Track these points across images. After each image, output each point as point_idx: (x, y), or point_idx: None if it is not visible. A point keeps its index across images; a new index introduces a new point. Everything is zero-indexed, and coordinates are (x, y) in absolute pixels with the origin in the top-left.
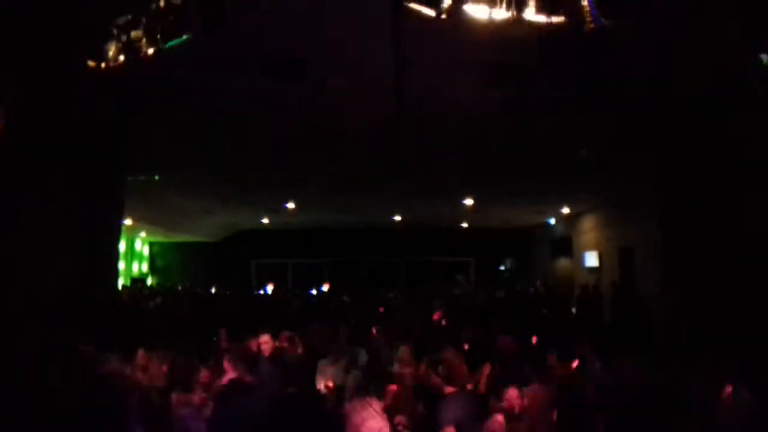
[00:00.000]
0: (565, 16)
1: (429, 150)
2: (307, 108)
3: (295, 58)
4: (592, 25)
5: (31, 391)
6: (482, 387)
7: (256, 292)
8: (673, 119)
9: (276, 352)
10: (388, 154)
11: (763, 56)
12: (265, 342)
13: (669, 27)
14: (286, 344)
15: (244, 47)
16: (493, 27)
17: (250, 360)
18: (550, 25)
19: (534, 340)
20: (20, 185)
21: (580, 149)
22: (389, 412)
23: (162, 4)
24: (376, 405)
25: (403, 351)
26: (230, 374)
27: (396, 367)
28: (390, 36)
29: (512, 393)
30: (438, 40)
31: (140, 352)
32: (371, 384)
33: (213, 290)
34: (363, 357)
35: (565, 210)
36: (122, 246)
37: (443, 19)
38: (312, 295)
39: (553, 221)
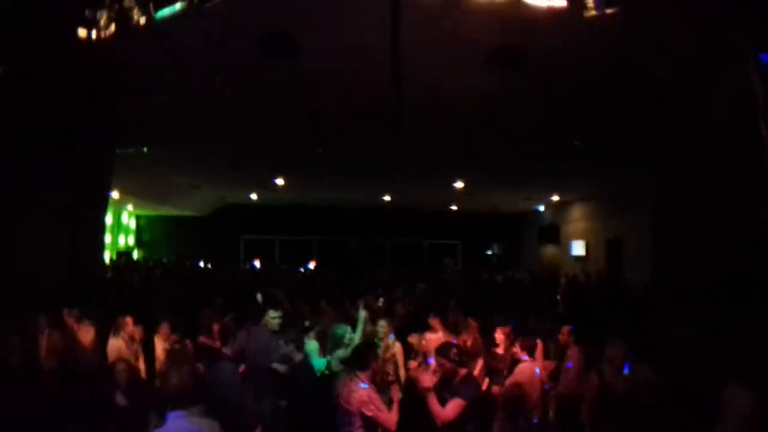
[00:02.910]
0: (567, 1)
1: (422, 131)
2: (300, 85)
3: (289, 35)
4: (593, 12)
5: (17, 366)
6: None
7: (243, 267)
8: (670, 112)
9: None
10: (381, 133)
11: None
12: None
13: (668, 20)
14: None
15: (237, 22)
16: (493, 9)
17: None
18: (550, 9)
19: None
20: (5, 156)
21: (573, 138)
22: (375, 382)
23: None
24: (362, 375)
25: (384, 324)
26: None
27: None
28: (388, 15)
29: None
30: (436, 22)
31: (128, 321)
32: (356, 358)
33: (201, 264)
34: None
35: (555, 198)
36: (109, 219)
37: None
38: (300, 271)
39: (542, 208)
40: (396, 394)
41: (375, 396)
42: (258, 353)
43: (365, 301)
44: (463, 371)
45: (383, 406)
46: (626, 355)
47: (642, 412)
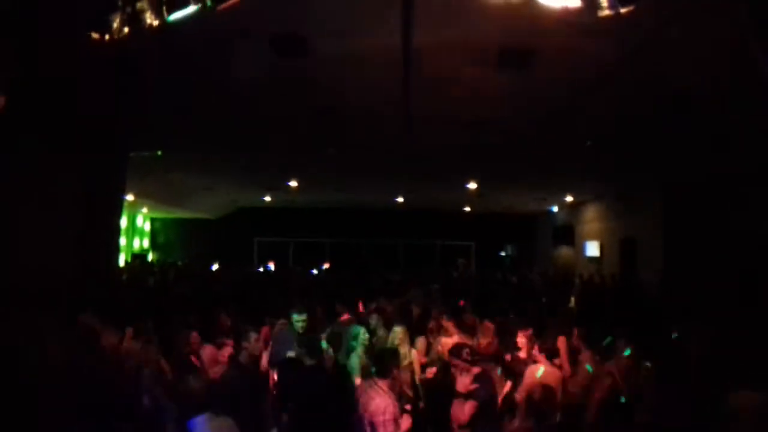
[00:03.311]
0: (580, 0)
1: (435, 132)
2: (313, 86)
3: (300, 36)
4: (607, 12)
5: (34, 367)
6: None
7: (257, 269)
8: (680, 112)
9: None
10: (394, 135)
11: None
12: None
13: (682, 21)
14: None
15: (249, 22)
16: (505, 8)
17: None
18: (564, 8)
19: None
20: (21, 160)
21: (585, 139)
22: (394, 390)
23: None
24: (383, 383)
25: (400, 332)
26: None
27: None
28: (400, 15)
29: None
30: (448, 21)
31: (148, 326)
32: (377, 365)
33: (214, 267)
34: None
35: (568, 198)
36: (123, 222)
37: None
38: (312, 273)
39: (555, 209)
40: (406, 422)
41: (393, 409)
42: (281, 353)
43: (378, 304)
44: (475, 370)
45: (392, 426)
46: (634, 356)
47: (648, 414)
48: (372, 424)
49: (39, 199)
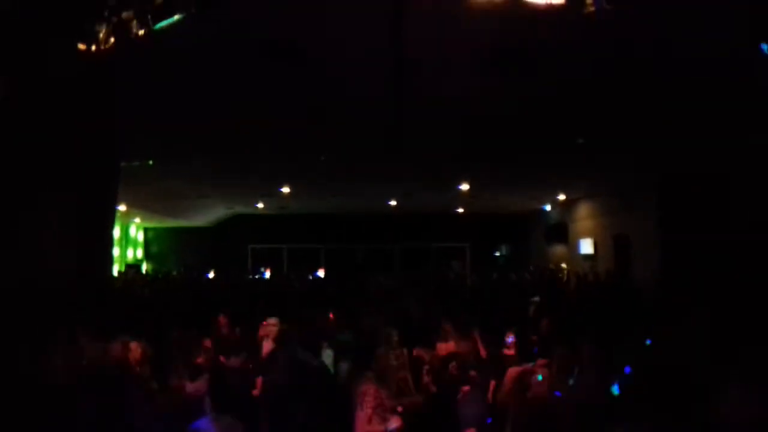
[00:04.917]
0: None
1: (426, 135)
2: (304, 92)
3: (293, 41)
4: (592, 8)
5: (30, 377)
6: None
7: (251, 277)
8: (673, 108)
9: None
10: (385, 139)
11: (765, 46)
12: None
13: (669, 13)
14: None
15: (240, 29)
16: (492, 8)
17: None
18: (549, 6)
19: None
20: (14, 171)
21: (577, 136)
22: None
23: None
24: (369, 373)
25: (392, 334)
26: None
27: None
28: (390, 17)
29: None
30: (438, 23)
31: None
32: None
33: (210, 275)
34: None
35: (561, 197)
36: (116, 232)
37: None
38: (309, 280)
39: (548, 208)
40: (395, 422)
41: (374, 392)
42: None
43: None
44: (465, 388)
45: (369, 410)
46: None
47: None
48: (355, 405)
49: (31, 210)
